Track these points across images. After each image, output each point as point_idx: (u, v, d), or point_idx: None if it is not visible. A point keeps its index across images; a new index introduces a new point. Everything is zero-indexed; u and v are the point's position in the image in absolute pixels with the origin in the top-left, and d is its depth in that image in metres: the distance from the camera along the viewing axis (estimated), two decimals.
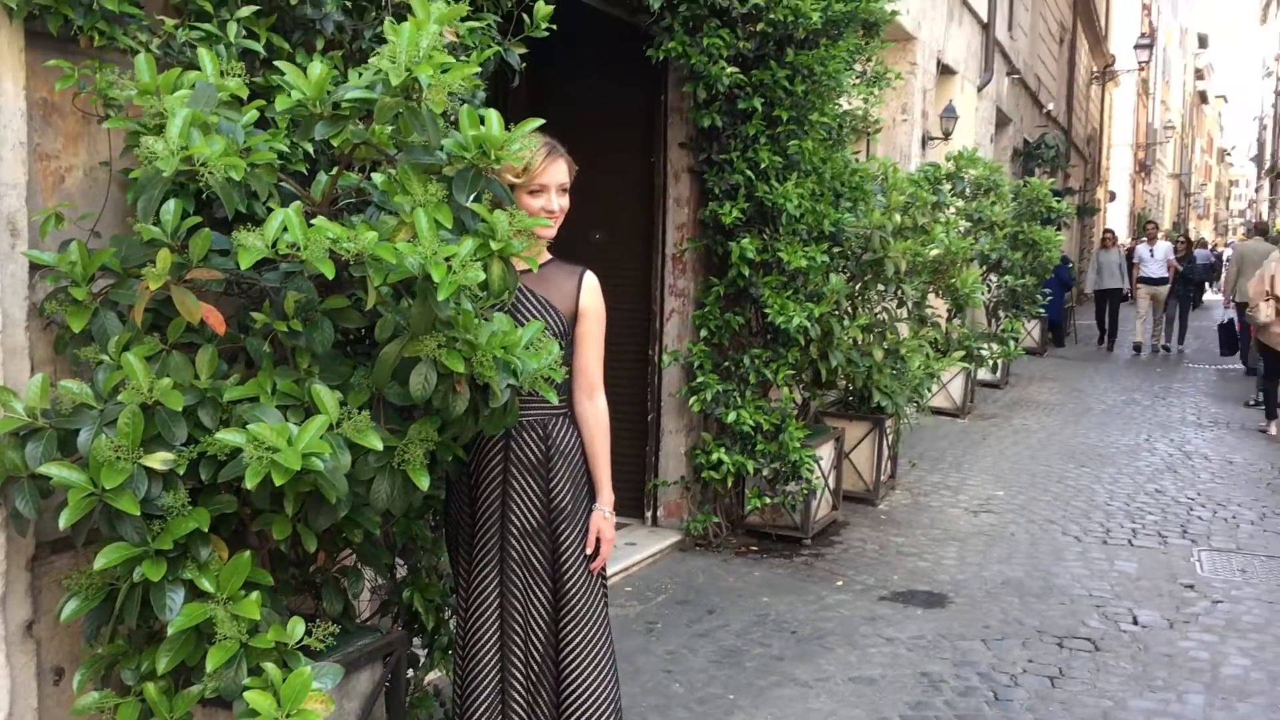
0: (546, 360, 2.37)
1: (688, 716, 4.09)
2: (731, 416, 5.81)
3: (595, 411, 2.94)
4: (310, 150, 2.70)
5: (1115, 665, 4.66)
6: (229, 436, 2.14)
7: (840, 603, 5.36)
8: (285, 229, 1.92)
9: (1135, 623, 5.18)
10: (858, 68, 6.30)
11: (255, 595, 2.42)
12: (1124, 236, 31.63)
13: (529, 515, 2.91)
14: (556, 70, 6.08)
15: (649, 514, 6.26)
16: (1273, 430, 10.40)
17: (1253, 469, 8.75)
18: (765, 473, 5.98)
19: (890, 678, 4.47)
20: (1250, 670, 4.65)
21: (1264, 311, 9.92)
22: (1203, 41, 74.09)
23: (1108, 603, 5.45)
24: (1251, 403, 11.81)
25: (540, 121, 2.29)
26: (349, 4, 3.05)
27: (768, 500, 5.98)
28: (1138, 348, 17.05)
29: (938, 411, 10.59)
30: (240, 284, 2.48)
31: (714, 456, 5.88)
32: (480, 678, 2.97)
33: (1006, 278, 11.71)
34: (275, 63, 2.36)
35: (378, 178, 2.37)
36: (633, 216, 6.16)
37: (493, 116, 2.10)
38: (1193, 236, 28.34)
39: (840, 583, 5.65)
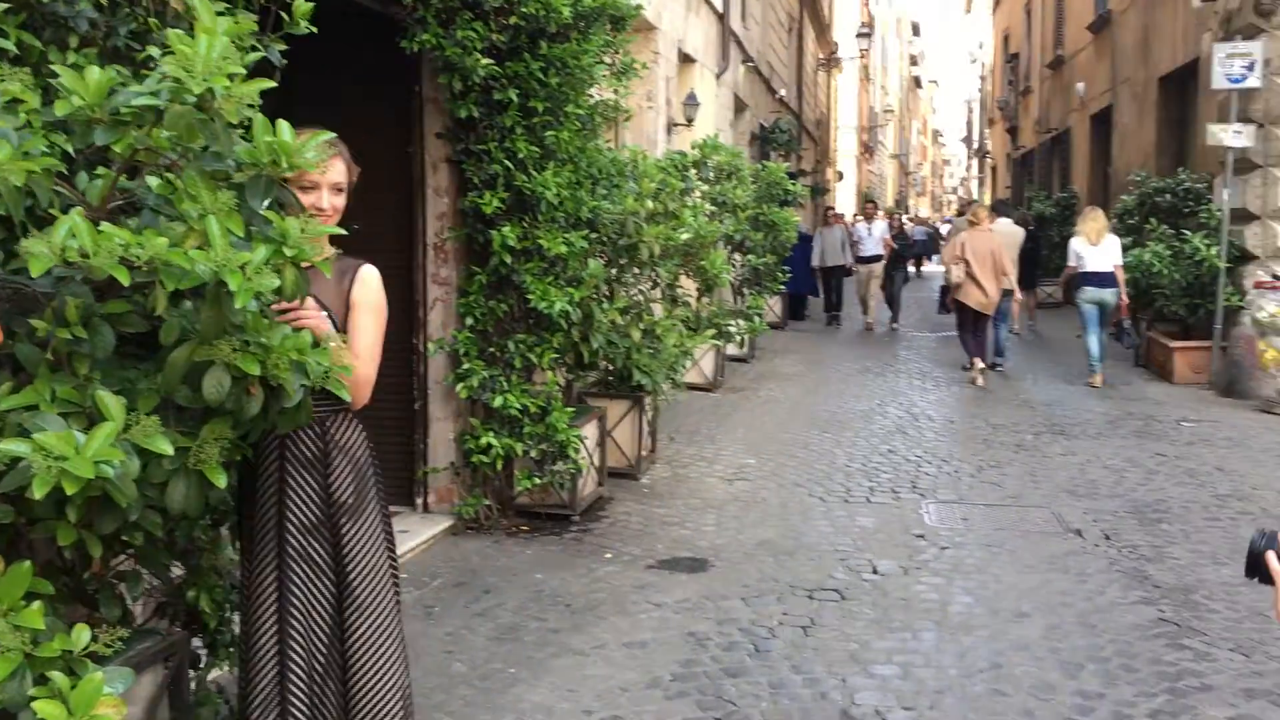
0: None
1: (471, 694, 4.23)
2: (499, 401, 5.95)
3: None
4: (70, 151, 2.65)
5: (859, 611, 5.13)
6: (12, 446, 2.11)
7: (610, 574, 5.62)
8: (73, 235, 1.92)
9: (875, 572, 5.69)
10: (607, 59, 6.54)
11: (37, 605, 2.38)
12: (853, 215, 33.61)
13: (308, 511, 2.95)
14: (308, 63, 5.99)
15: (420, 501, 6.33)
16: (977, 373, 11.85)
17: (970, 426, 9.65)
18: (534, 454, 6.16)
19: (660, 640, 4.75)
20: (973, 607, 5.21)
21: (956, 273, 11.88)
22: (916, 30, 79.39)
23: (850, 556, 5.95)
24: (994, 365, 12.96)
25: (331, 135, 2.35)
26: (103, 1, 2.98)
27: (537, 480, 6.17)
28: (868, 327, 17.68)
29: (692, 387, 11.06)
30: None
31: (483, 441, 6.01)
32: (261, 674, 3.00)
33: (749, 257, 12.35)
34: (52, 66, 2.32)
35: (152, 181, 2.38)
36: (393, 207, 6.18)
37: (283, 125, 2.15)
38: (912, 213, 30.48)
39: (609, 555, 5.91)
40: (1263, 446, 8.75)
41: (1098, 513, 6.80)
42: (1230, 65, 11.10)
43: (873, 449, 8.69)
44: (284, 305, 2.46)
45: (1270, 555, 1.91)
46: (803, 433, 9.33)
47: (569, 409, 6.32)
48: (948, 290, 15.90)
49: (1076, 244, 12.03)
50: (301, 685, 2.92)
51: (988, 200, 39.98)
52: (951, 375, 12.57)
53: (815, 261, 17.96)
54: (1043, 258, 17.00)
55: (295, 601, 2.92)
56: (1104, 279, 11.79)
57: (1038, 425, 9.68)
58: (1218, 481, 7.59)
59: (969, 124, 70.22)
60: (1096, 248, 11.78)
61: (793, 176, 14.25)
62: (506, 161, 5.80)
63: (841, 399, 11.12)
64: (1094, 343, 11.78)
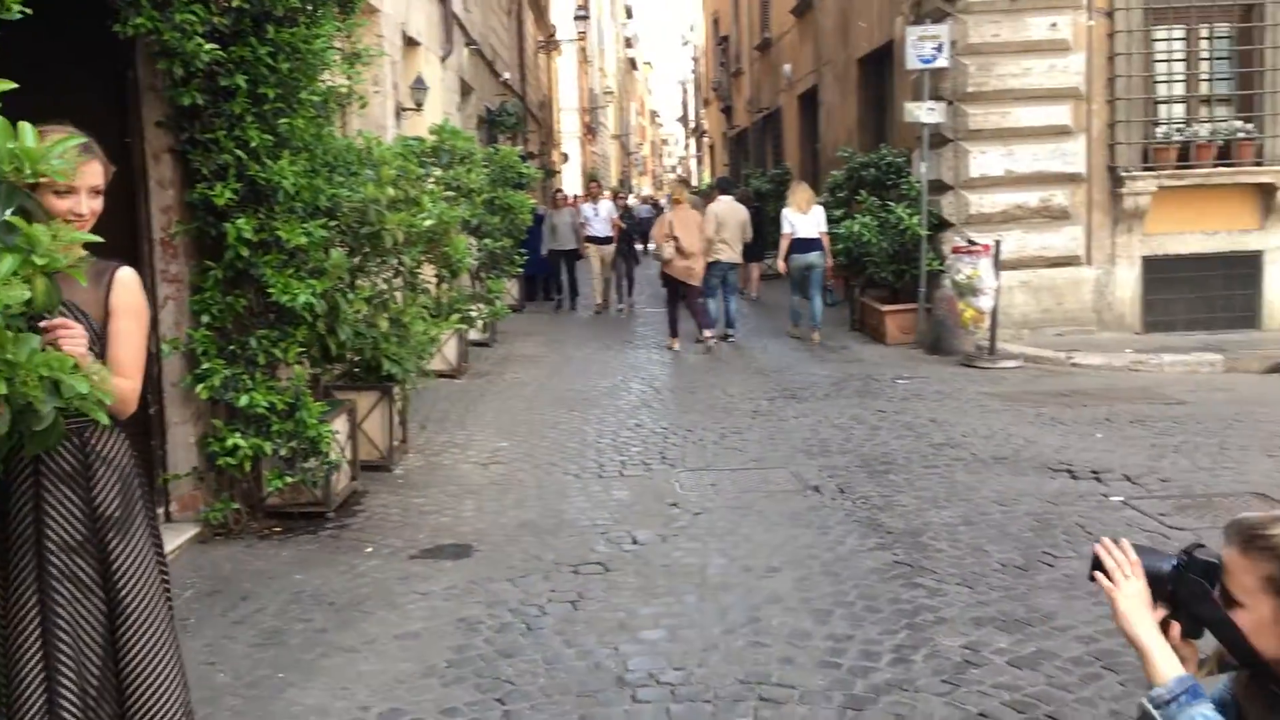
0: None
1: (239, 703, 4.09)
2: (244, 400, 5.73)
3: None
4: None
5: (624, 581, 5.29)
6: None
7: (373, 568, 5.54)
8: None
9: (635, 542, 5.88)
10: (338, 44, 6.38)
11: None
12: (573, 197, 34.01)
13: (69, 529, 2.78)
14: (10, 45, 5.52)
15: (161, 511, 5.99)
16: (676, 346, 12.82)
17: (710, 396, 10.07)
18: (283, 452, 5.97)
19: (432, 629, 4.74)
20: (728, 567, 5.48)
21: (666, 250, 12.76)
22: (629, 12, 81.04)
23: (610, 529, 6.11)
24: (726, 337, 13.56)
25: (83, 139, 2.19)
26: None
27: (288, 479, 5.98)
28: (601, 308, 17.70)
29: (437, 374, 10.98)
30: None
31: (229, 442, 5.77)
32: (27, 704, 2.81)
33: (486, 241, 12.34)
34: None
35: None
36: (113, 202, 5.77)
37: (25, 129, 2.01)
38: (635, 192, 31.19)
39: (370, 549, 5.82)
40: (967, 398, 9.60)
41: (832, 469, 7.28)
42: (921, 47, 12.04)
43: (620, 424, 8.93)
44: (51, 324, 2.37)
45: (1099, 575, 2.11)
46: (551, 412, 9.46)
47: (319, 404, 6.16)
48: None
49: (788, 213, 13.35)
50: (74, 710, 2.74)
51: (708, 179, 41.48)
52: (687, 348, 13.03)
53: (546, 246, 17.76)
54: (765, 232, 17.87)
55: (62, 623, 2.74)
56: (812, 244, 13.12)
57: (771, 391, 10.22)
58: (932, 432, 8.28)
59: (684, 104, 72.52)
60: (805, 216, 13.15)
61: (523, 159, 14.33)
62: (238, 151, 5.56)
63: (586, 377, 11.33)
64: (817, 303, 13.12)
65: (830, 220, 13.33)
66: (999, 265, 11.35)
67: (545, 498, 6.80)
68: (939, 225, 12.57)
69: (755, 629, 4.66)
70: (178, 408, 5.93)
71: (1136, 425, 8.32)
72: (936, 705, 3.92)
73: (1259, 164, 12.29)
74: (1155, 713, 1.94)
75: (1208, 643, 2.11)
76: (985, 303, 11.30)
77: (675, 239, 12.66)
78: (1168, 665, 1.96)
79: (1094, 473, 6.94)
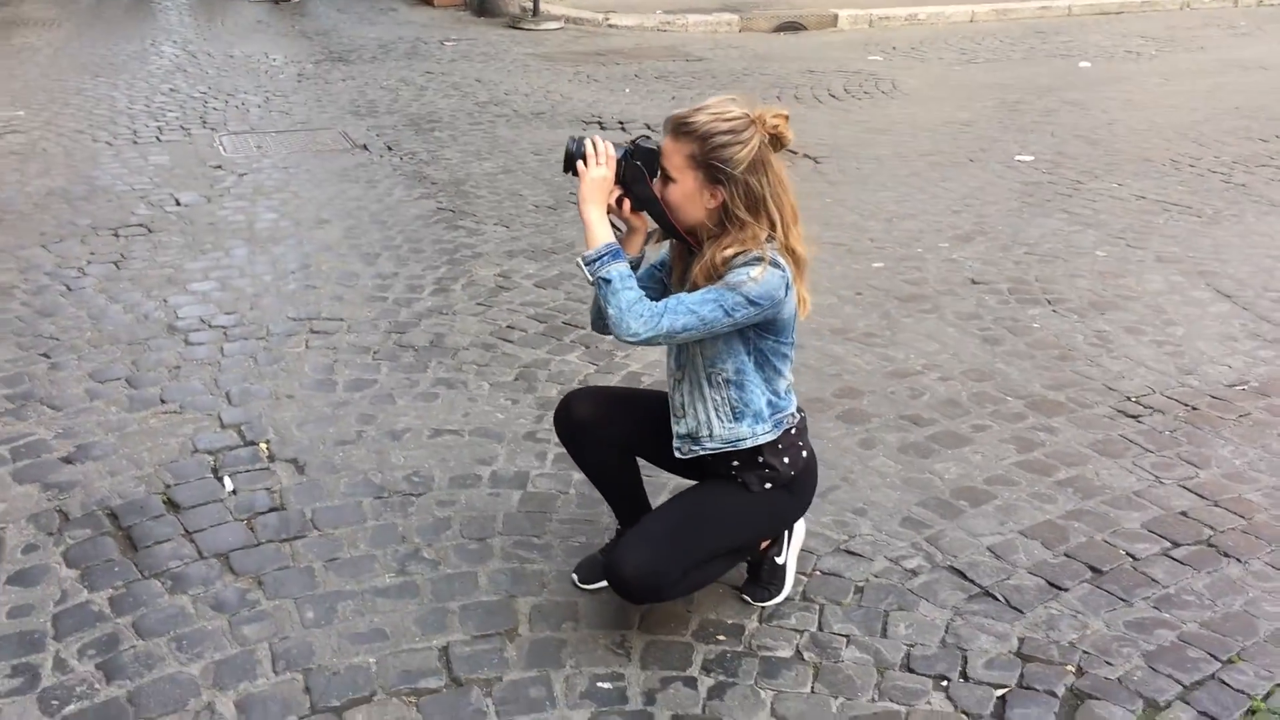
0: None
1: None
2: None
3: None
4: None
5: (169, 241, 5.28)
6: None
7: None
8: None
9: (179, 204, 5.80)
10: None
11: None
12: None
13: None
14: None
15: None
16: None
17: (250, 60, 9.64)
18: None
19: None
20: (279, 221, 5.59)
21: None
22: None
23: (150, 193, 5.97)
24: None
25: None
26: None
27: None
28: None
29: None
30: None
31: None
32: None
33: None
34: None
35: None
36: None
37: None
38: None
39: None
40: (512, 59, 9.90)
41: (380, 128, 7.41)
42: None
43: (154, 89, 8.41)
44: None
45: (580, 160, 2.45)
46: (75, 79, 8.70)
47: None
48: None
49: None
50: None
51: None
52: (239, 15, 12.17)
53: None
54: None
55: None
56: None
57: (317, 54, 9.96)
58: (478, 91, 8.56)
59: None
60: None
61: None
62: None
63: (110, 41, 10.39)
64: None
65: None
66: None
67: (75, 165, 6.44)
68: None
69: (306, 274, 4.90)
70: None
71: (661, 80, 9.05)
72: (471, 323, 4.42)
73: None
74: (585, 269, 2.45)
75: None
76: None
77: None
78: (600, 235, 2.45)
79: (620, 123, 7.58)
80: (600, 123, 7.59)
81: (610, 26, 11.58)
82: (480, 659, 2.57)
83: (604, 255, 2.43)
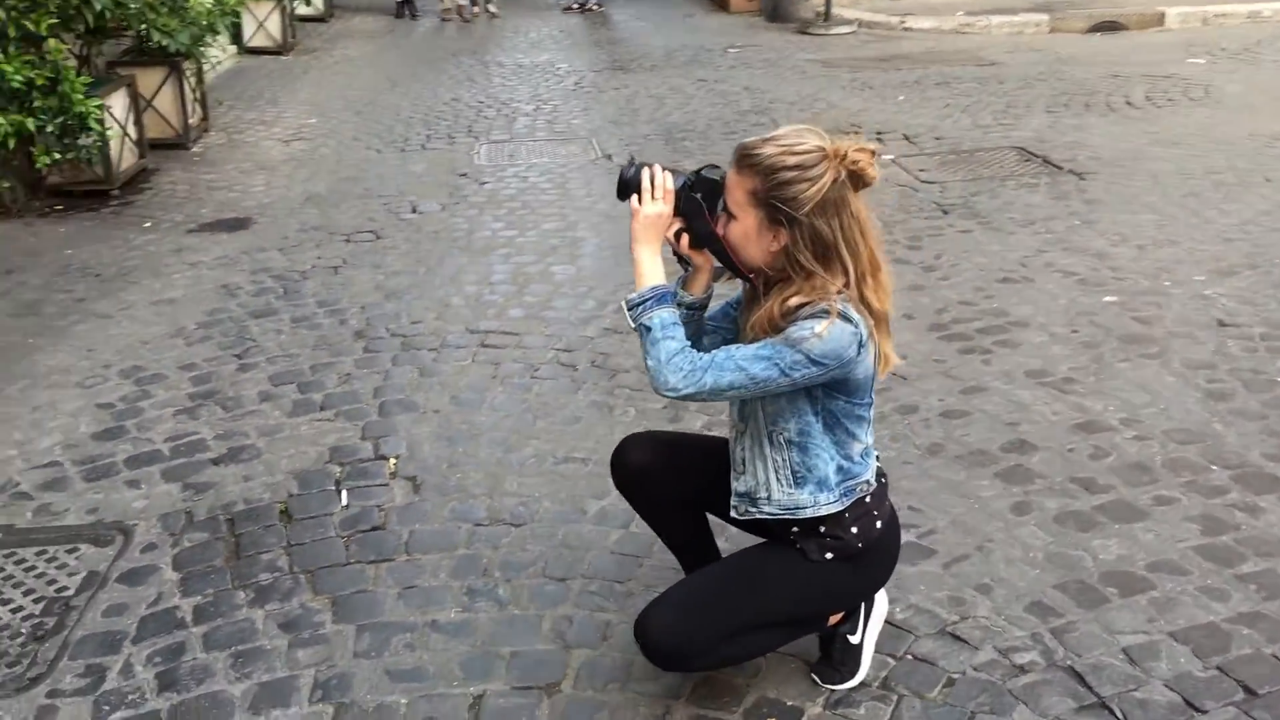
0: None
1: None
2: None
3: None
4: None
5: (391, 247, 5.46)
6: None
7: (148, 241, 5.62)
8: None
9: (414, 211, 6.01)
10: None
11: None
12: None
13: None
14: None
15: None
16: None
17: (537, 69, 9.94)
18: (52, 129, 5.86)
19: (191, 295, 4.91)
20: (501, 231, 5.66)
21: None
22: None
23: (393, 200, 6.22)
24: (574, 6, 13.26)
25: None
26: None
27: (58, 156, 5.90)
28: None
29: (260, 51, 10.63)
30: None
31: None
32: None
33: None
34: None
35: None
36: None
37: None
38: None
39: (148, 224, 5.88)
40: (790, 65, 9.63)
41: (632, 138, 7.40)
42: None
43: (437, 99, 8.83)
44: None
45: (635, 193, 2.25)
46: (373, 89, 9.29)
47: (85, 78, 5.99)
48: None
49: None
50: None
51: None
52: (550, 19, 12.67)
53: None
54: None
55: None
56: None
57: (601, 63, 10.12)
58: (742, 99, 8.37)
59: None
60: None
61: None
62: None
63: (419, 52, 11.05)
64: None
65: None
66: None
67: (340, 171, 6.83)
68: None
69: (505, 286, 4.89)
70: None
71: (940, 87, 8.49)
72: None
73: None
74: (628, 312, 2.21)
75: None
76: None
77: None
78: (649, 277, 2.21)
79: (878, 134, 7.16)
80: (857, 131, 7.19)
81: (905, 30, 11.04)
82: (511, 714, 2.41)
83: (648, 299, 2.19)
